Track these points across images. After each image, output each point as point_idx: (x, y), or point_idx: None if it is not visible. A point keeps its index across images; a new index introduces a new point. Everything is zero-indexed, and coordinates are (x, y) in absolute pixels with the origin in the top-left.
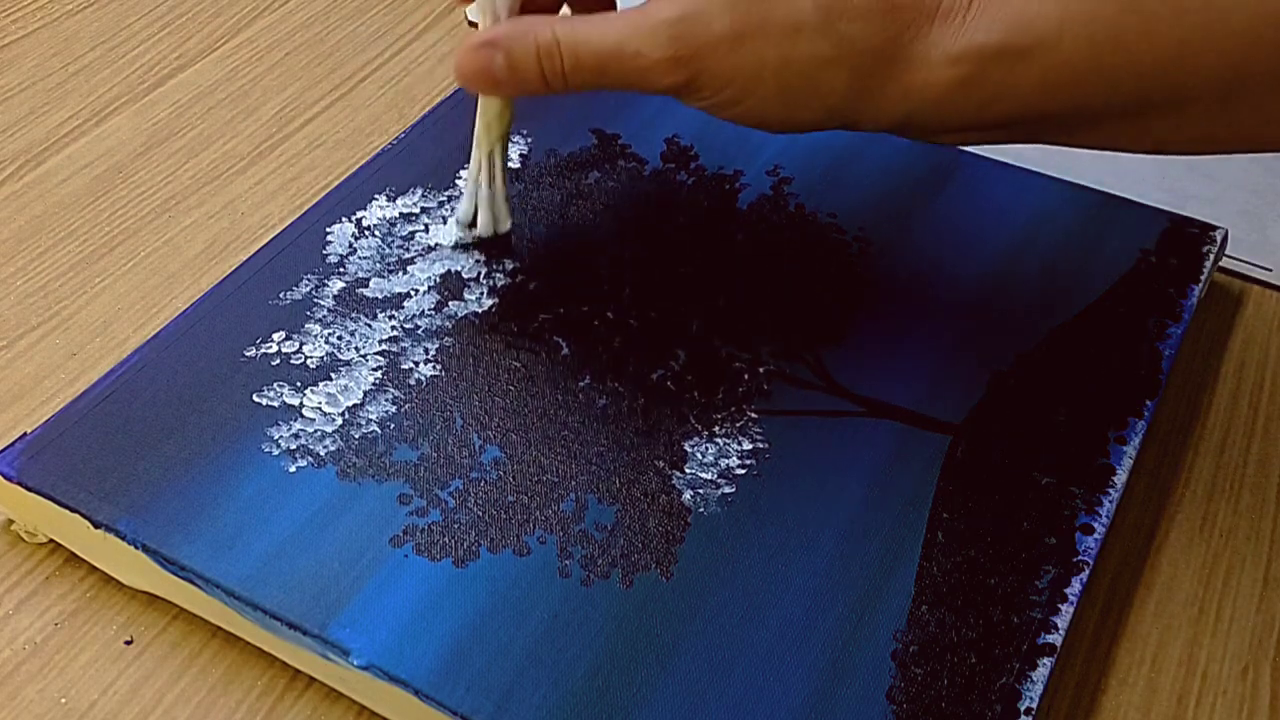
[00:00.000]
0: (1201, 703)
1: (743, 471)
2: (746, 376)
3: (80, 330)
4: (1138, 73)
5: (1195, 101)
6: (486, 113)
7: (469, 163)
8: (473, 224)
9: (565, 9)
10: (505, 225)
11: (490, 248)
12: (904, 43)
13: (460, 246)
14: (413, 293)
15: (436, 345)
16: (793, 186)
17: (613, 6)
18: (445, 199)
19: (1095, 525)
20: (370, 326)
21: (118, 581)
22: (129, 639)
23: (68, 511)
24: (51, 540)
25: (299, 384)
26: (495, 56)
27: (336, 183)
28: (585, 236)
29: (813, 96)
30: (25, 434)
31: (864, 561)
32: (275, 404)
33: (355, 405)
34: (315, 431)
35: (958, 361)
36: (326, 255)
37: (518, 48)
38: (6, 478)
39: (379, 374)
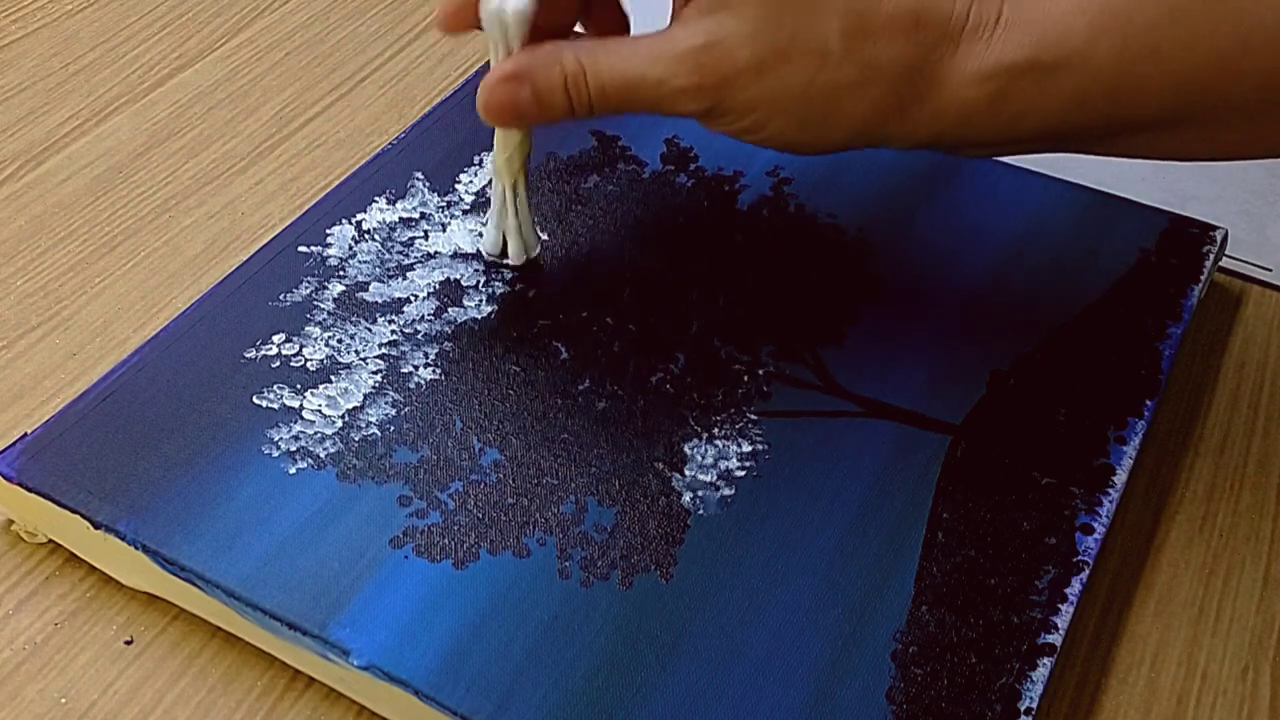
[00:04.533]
0: (1201, 703)
1: (742, 473)
2: (746, 378)
3: (80, 330)
4: (1173, 85)
5: (1231, 114)
6: (507, 145)
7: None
8: (503, 253)
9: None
10: (535, 250)
11: (522, 269)
12: (930, 63)
13: (459, 256)
14: (412, 298)
15: (436, 350)
16: (793, 187)
17: (626, 23)
18: (445, 204)
19: (1095, 525)
20: (370, 330)
21: (118, 581)
22: (129, 639)
23: (68, 511)
24: (51, 540)
25: (299, 386)
26: (521, 90)
27: (336, 183)
28: (585, 240)
29: (838, 121)
30: (25, 434)
31: (864, 561)
32: (275, 406)
33: (355, 408)
34: (315, 433)
35: (958, 361)
36: (326, 258)
37: (543, 79)
38: (6, 478)
39: (379, 377)
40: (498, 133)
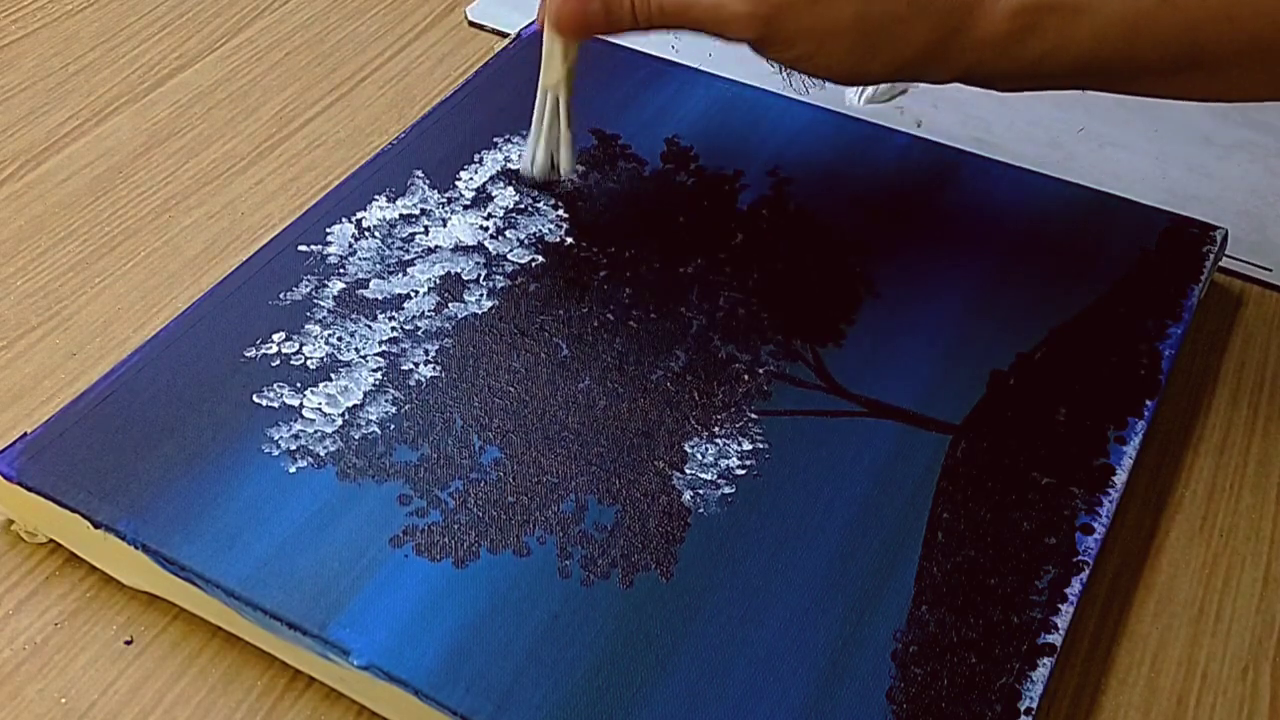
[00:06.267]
0: (1201, 703)
1: (742, 472)
2: (746, 377)
3: (80, 330)
4: (1188, 30)
5: (1245, 57)
6: (555, 57)
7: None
8: (538, 170)
9: None
10: (566, 168)
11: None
12: None
13: (460, 249)
14: (413, 294)
15: (436, 346)
16: (793, 186)
17: None
18: (446, 199)
19: (1095, 525)
20: (370, 328)
21: (118, 581)
22: (129, 639)
23: (68, 511)
24: (51, 540)
25: (299, 384)
26: (592, 2)
27: (336, 183)
28: (585, 237)
29: (887, 52)
30: (25, 434)
31: (864, 561)
32: (275, 404)
33: (355, 406)
34: (315, 432)
35: (958, 361)
36: (326, 256)
37: None
38: (6, 478)
39: (379, 375)
40: (546, 46)
